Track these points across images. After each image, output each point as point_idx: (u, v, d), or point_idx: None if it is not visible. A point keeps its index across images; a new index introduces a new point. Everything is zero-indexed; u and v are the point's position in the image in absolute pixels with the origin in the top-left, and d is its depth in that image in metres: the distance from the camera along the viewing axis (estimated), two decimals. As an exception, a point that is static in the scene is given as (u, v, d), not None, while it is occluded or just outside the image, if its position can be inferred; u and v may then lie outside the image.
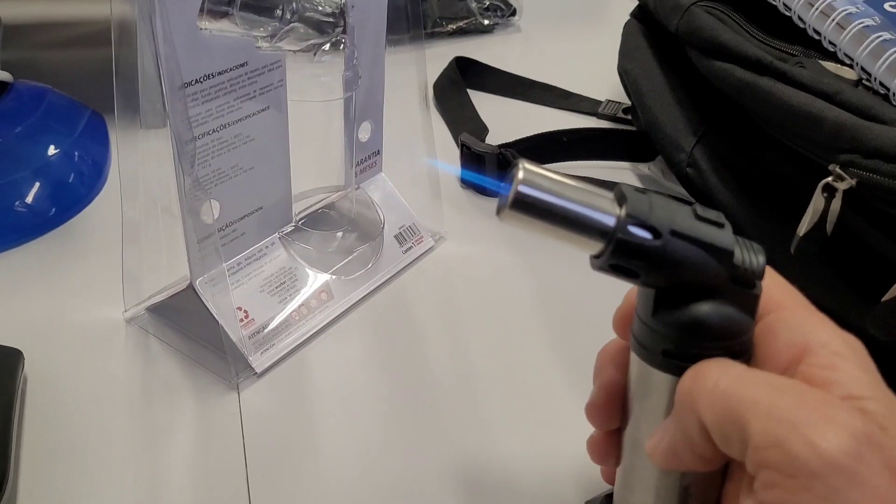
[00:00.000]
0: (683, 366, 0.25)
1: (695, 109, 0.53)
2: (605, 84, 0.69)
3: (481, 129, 0.61)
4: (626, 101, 0.65)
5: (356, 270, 0.46)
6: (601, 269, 0.25)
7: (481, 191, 0.56)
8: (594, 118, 0.66)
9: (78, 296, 0.45)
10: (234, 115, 0.38)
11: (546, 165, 0.25)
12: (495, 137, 0.58)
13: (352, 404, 0.39)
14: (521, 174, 0.24)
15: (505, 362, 0.42)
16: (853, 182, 0.38)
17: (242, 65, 0.37)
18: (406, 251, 0.49)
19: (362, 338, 0.43)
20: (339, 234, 0.47)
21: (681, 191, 0.54)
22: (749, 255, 0.25)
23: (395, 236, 0.48)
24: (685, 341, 0.25)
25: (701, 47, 0.50)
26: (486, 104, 0.66)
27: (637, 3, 0.63)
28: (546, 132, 0.58)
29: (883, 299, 0.37)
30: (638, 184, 0.57)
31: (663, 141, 0.54)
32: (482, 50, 0.74)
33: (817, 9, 0.44)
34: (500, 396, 0.40)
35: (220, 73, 0.36)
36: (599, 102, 0.67)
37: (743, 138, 0.48)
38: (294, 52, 0.39)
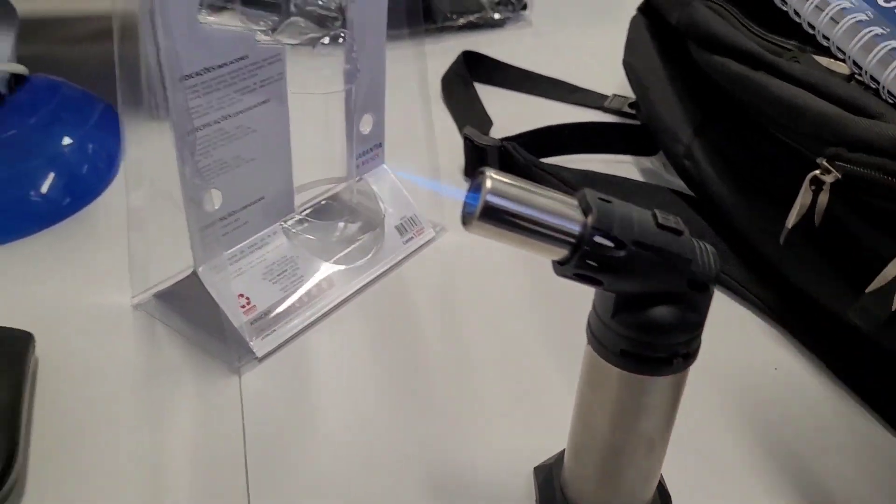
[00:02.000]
0: (637, 364, 0.27)
1: (694, 102, 0.54)
2: (612, 78, 0.69)
3: (486, 123, 0.62)
4: (632, 96, 0.65)
5: (357, 260, 0.47)
6: (565, 276, 0.26)
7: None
8: (600, 112, 0.66)
9: (88, 282, 0.46)
10: (235, 107, 0.39)
11: (515, 177, 0.26)
12: (500, 131, 0.59)
13: (351, 389, 0.41)
14: (488, 183, 0.25)
15: (501, 350, 0.43)
16: (839, 175, 0.38)
17: (243, 58, 0.38)
18: (407, 241, 0.50)
19: (362, 325, 0.45)
20: (341, 224, 0.49)
21: (680, 184, 0.54)
22: (705, 259, 0.27)
23: (396, 227, 0.50)
24: (642, 342, 0.27)
25: (699, 40, 0.51)
26: (493, 98, 0.67)
27: (643, -3, 0.64)
28: (548, 126, 0.59)
29: (867, 290, 0.38)
30: (639, 177, 0.58)
31: (663, 134, 0.55)
32: (492, 44, 0.75)
33: (812, 3, 0.45)
34: (496, 383, 0.41)
35: (220, 66, 0.37)
36: (606, 97, 0.67)
37: (739, 131, 0.49)
38: (293, 45, 0.40)
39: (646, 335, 0.27)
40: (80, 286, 0.46)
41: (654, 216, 0.27)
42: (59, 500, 0.34)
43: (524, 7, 0.83)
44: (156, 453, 0.37)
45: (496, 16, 0.82)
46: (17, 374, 0.37)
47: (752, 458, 0.38)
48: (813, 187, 0.40)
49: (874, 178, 0.36)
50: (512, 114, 0.64)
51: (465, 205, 0.26)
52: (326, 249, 0.46)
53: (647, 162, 0.60)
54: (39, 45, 0.70)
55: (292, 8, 0.38)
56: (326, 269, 0.46)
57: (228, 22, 0.36)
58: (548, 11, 0.85)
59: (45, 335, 0.41)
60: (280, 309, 0.43)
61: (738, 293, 0.47)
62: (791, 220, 0.41)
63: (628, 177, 0.56)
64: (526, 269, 0.49)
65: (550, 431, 0.35)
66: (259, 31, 0.38)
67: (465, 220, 0.25)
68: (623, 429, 0.29)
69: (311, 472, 0.36)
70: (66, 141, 0.54)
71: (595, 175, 0.55)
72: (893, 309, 0.37)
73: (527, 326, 0.45)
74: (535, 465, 0.36)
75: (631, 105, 0.66)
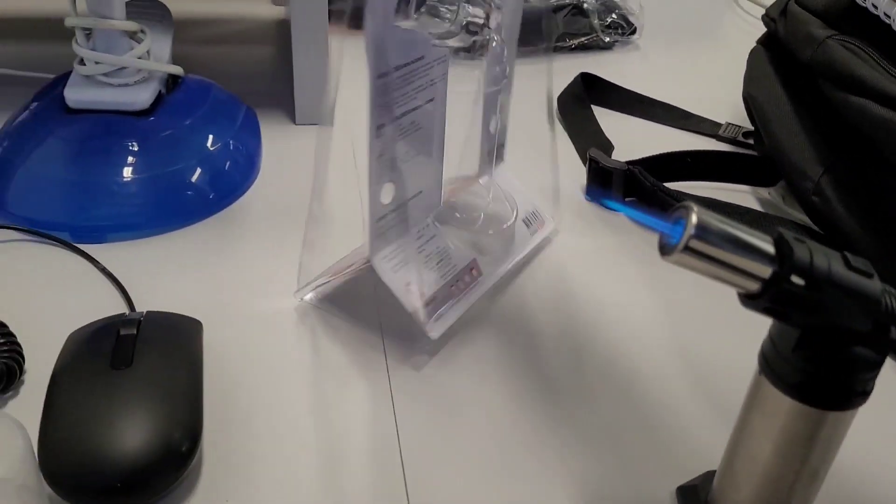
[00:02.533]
0: (814, 398, 0.29)
1: (823, 139, 0.55)
2: (723, 106, 0.71)
3: (606, 145, 0.64)
4: (746, 125, 0.67)
5: (496, 249, 0.50)
6: (753, 308, 0.28)
7: (606, 206, 0.58)
8: (714, 140, 0.68)
9: (241, 275, 0.49)
10: (412, 104, 0.42)
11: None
12: (619, 154, 0.61)
13: (507, 379, 0.43)
14: (693, 218, 0.27)
15: (638, 363, 0.45)
16: None
17: (420, 58, 0.41)
18: (533, 233, 0.53)
19: (513, 313, 0.47)
20: (480, 216, 0.51)
21: (802, 217, 0.55)
22: (891, 301, 0.28)
23: (522, 220, 0.52)
24: (823, 377, 0.28)
25: (835, 80, 0.52)
26: (607, 120, 0.68)
27: (764, 30, 0.65)
28: (670, 152, 0.61)
29: None
30: (758, 207, 0.59)
31: (789, 168, 0.56)
32: (602, 66, 0.77)
33: (958, 50, 0.46)
34: (637, 396, 0.43)
35: (405, 65, 0.40)
36: (720, 125, 0.68)
37: (872, 170, 0.50)
38: (456, 48, 0.43)
39: (827, 371, 0.29)
40: (236, 279, 0.49)
41: (844, 257, 0.28)
42: (233, 481, 0.37)
43: (633, 32, 0.85)
44: (323, 441, 0.39)
45: (606, 39, 0.83)
46: (194, 356, 0.39)
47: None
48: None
49: None
50: (628, 137, 0.66)
51: (665, 236, 0.27)
52: (470, 240, 0.49)
53: (764, 193, 0.61)
54: (188, 44, 0.74)
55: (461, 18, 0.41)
56: (472, 258, 0.48)
57: (415, 27, 0.39)
58: (655, 36, 0.86)
59: (209, 324, 0.44)
60: (443, 295, 0.45)
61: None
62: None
63: (750, 206, 0.57)
64: (642, 267, 0.50)
65: (694, 452, 0.37)
66: (435, 34, 0.41)
67: (666, 250, 0.27)
68: (790, 458, 0.31)
69: (465, 454, 0.38)
70: (216, 142, 0.57)
71: (718, 203, 0.56)
72: None
73: (661, 341, 0.46)
74: (678, 484, 0.38)
75: (745, 134, 0.67)
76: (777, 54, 0.62)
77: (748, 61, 0.66)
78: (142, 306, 0.45)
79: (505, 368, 0.44)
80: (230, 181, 0.57)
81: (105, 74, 0.53)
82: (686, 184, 0.61)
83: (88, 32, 0.53)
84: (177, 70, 0.56)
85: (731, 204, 0.56)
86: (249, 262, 0.50)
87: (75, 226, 0.50)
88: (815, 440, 0.30)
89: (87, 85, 0.53)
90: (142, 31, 0.54)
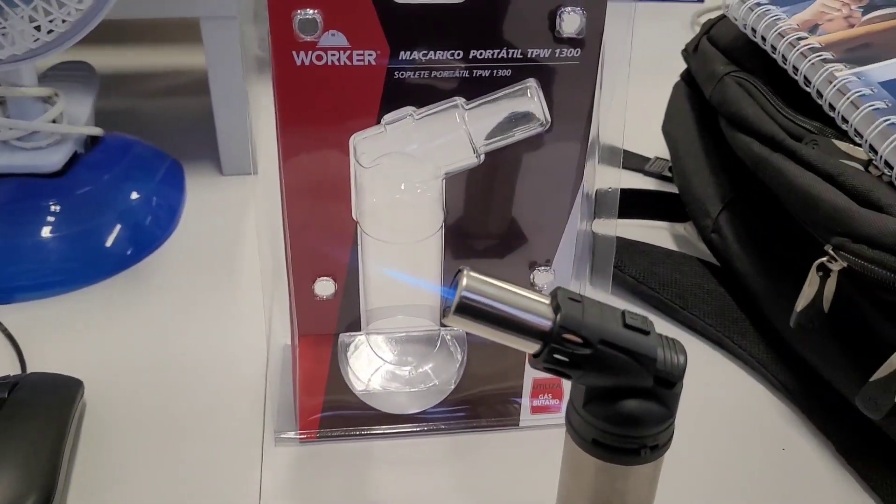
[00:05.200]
0: (608, 453, 0.29)
1: (725, 176, 0.55)
2: (656, 140, 0.70)
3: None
4: (674, 160, 0.67)
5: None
6: (537, 368, 0.29)
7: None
8: (641, 174, 0.68)
9: (141, 333, 0.50)
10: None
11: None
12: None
13: None
14: (464, 281, 0.27)
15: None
16: (845, 264, 0.39)
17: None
18: None
19: None
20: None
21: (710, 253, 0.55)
22: (671, 356, 0.28)
23: None
24: (612, 433, 0.29)
25: (728, 118, 0.52)
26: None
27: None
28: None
29: (872, 378, 0.38)
30: (672, 244, 0.59)
31: (693, 205, 0.56)
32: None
33: (834, 87, 0.46)
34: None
35: None
36: (648, 159, 0.69)
37: (763, 208, 0.50)
38: None
39: (614, 427, 0.29)
40: (134, 336, 0.50)
41: (623, 315, 0.28)
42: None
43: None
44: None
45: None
46: (62, 418, 0.41)
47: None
48: (820, 273, 0.40)
49: (874, 272, 0.37)
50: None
51: (444, 299, 0.28)
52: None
53: (681, 228, 0.61)
54: (118, 99, 0.76)
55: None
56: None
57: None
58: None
59: (98, 383, 0.45)
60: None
61: (755, 369, 0.48)
62: (800, 304, 0.41)
63: (660, 243, 0.57)
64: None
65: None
66: None
67: (444, 313, 0.28)
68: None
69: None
70: (135, 195, 0.58)
71: (624, 241, 0.56)
72: (896, 400, 0.38)
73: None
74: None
75: (671, 169, 0.67)
76: (693, 90, 0.63)
77: (670, 96, 0.66)
78: (36, 366, 0.46)
79: None
80: (149, 235, 0.58)
81: (19, 139, 0.55)
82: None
83: (2, 100, 0.55)
84: (93, 130, 0.58)
85: (637, 242, 0.56)
86: (156, 319, 0.51)
87: (-15, 287, 0.52)
88: (620, 494, 0.30)
89: (2, 150, 0.55)
90: (55, 95, 0.56)
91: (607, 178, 0.42)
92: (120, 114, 0.72)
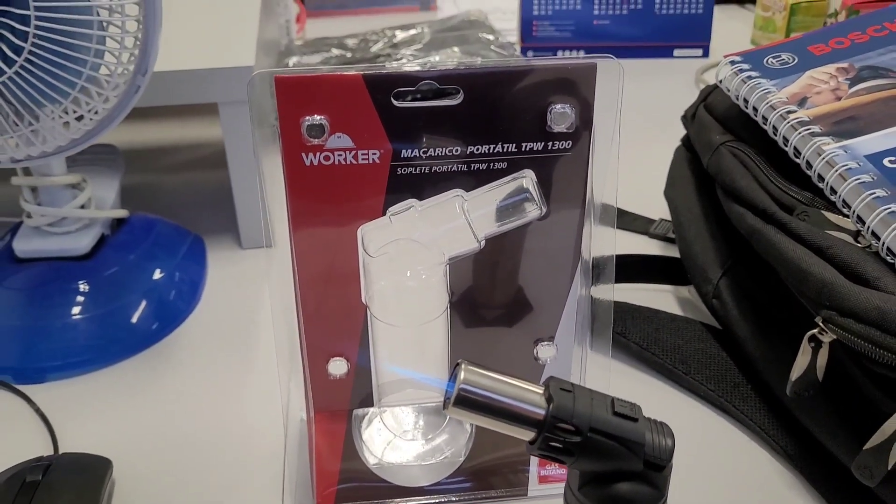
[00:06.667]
0: None
1: (724, 242, 0.56)
2: (661, 201, 0.72)
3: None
4: (678, 221, 0.68)
5: None
6: (533, 454, 0.31)
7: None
8: (646, 237, 0.69)
9: (168, 409, 0.53)
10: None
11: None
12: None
13: None
14: (462, 374, 0.30)
15: None
16: (834, 336, 0.40)
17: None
18: None
19: None
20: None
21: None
22: (659, 440, 0.30)
23: None
24: None
25: (723, 187, 0.54)
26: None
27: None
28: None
29: (865, 447, 0.40)
30: (676, 307, 0.60)
31: (694, 270, 0.58)
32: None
33: (823, 159, 0.48)
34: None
35: None
36: (652, 221, 0.70)
37: (763, 276, 0.51)
38: None
39: None
40: (159, 412, 0.52)
41: (612, 403, 0.30)
42: None
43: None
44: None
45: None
46: (94, 499, 0.43)
47: None
48: (812, 344, 0.42)
49: (861, 345, 0.39)
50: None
51: (445, 392, 0.30)
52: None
53: (685, 291, 0.62)
54: (137, 175, 0.79)
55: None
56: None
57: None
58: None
59: (124, 459, 0.47)
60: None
61: (757, 434, 0.49)
62: (794, 373, 0.43)
63: (664, 307, 0.59)
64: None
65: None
66: None
67: (444, 404, 0.30)
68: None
69: None
70: (159, 273, 0.61)
71: (628, 307, 0.58)
72: (890, 467, 0.39)
73: None
74: None
75: (675, 231, 0.69)
76: (693, 155, 0.65)
77: (672, 161, 0.68)
78: (67, 445, 0.49)
79: None
80: (174, 310, 0.61)
81: (50, 224, 0.58)
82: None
83: (34, 188, 0.58)
84: (119, 213, 0.61)
85: (641, 307, 0.58)
86: (180, 394, 0.54)
87: (18, 368, 0.55)
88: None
89: (34, 235, 0.58)
90: (84, 181, 0.59)
91: (603, 245, 0.44)
92: (142, 189, 0.76)
